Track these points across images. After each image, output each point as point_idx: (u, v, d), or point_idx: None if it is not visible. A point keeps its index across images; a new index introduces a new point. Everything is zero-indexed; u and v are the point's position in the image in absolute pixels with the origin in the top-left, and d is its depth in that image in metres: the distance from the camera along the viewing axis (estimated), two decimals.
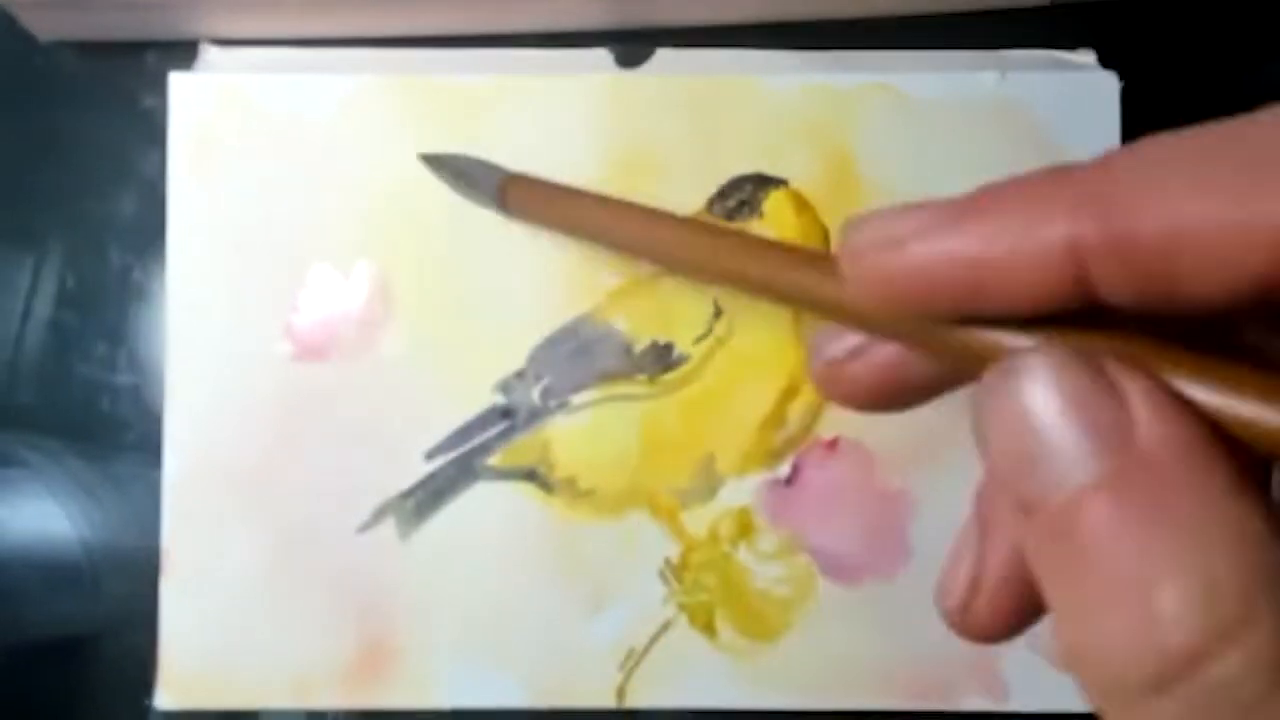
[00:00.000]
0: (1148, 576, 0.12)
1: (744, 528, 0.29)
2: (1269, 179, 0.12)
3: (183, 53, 0.31)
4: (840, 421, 0.29)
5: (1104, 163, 0.14)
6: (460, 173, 0.29)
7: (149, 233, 0.31)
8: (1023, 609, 0.16)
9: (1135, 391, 0.13)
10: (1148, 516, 0.12)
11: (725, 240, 0.20)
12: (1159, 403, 0.13)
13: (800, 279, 0.17)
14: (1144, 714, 0.12)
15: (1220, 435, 0.13)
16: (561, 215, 0.27)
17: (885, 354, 0.16)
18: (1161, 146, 0.13)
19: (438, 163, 0.29)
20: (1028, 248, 0.14)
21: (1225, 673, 0.11)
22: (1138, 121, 0.29)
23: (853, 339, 0.16)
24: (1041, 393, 0.13)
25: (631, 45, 0.31)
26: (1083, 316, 0.14)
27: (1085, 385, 0.13)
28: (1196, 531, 0.12)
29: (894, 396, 0.17)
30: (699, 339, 0.30)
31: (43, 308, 0.32)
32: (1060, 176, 0.14)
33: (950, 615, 0.16)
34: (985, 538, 0.16)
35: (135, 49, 0.32)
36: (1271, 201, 0.12)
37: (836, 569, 0.29)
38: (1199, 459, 0.12)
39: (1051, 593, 0.13)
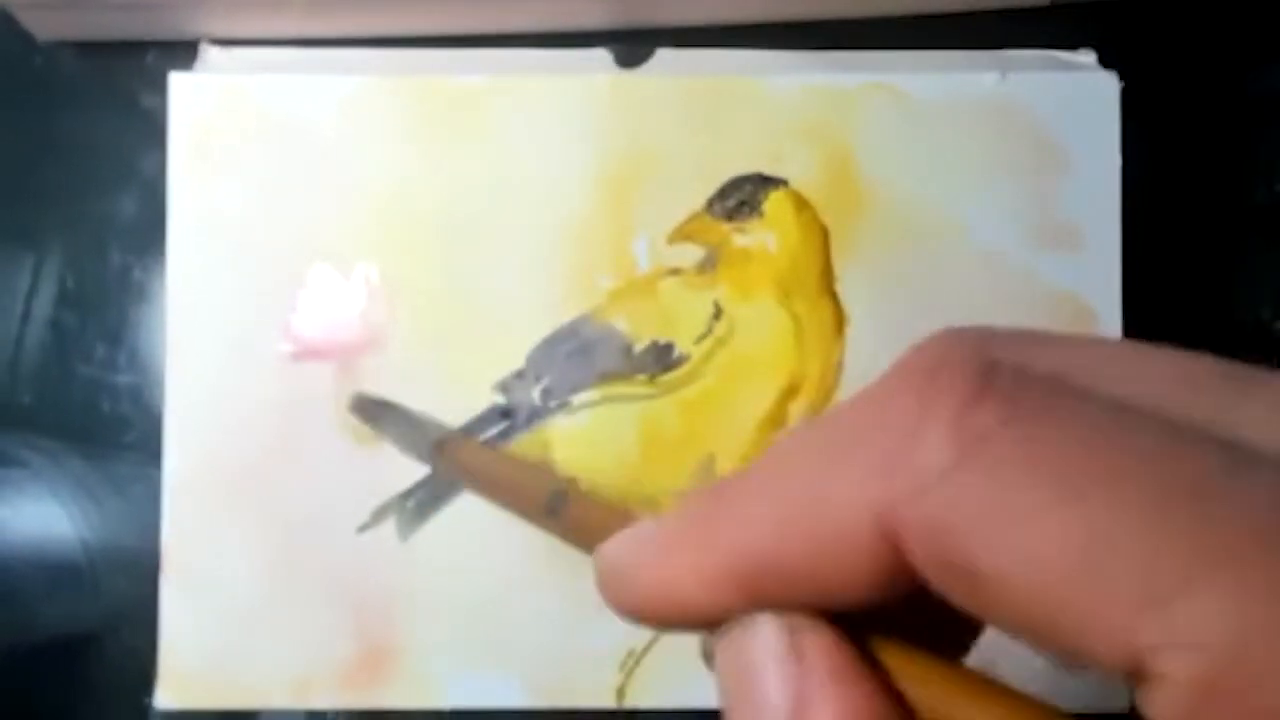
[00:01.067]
0: None
1: None
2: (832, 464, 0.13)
3: (183, 53, 0.31)
4: None
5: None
6: (395, 425, 0.29)
7: (149, 233, 0.31)
8: None
9: (813, 647, 0.13)
10: None
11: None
12: (837, 678, 0.13)
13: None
14: None
15: None
16: (487, 478, 0.25)
17: None
18: None
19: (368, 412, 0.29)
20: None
21: None
22: (1138, 121, 0.29)
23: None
24: (744, 650, 0.14)
25: (631, 45, 0.31)
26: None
27: (772, 640, 0.14)
28: None
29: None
30: (699, 339, 0.30)
31: (43, 308, 0.32)
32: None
33: None
34: None
35: (135, 49, 0.32)
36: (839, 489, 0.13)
37: None
38: None
39: None
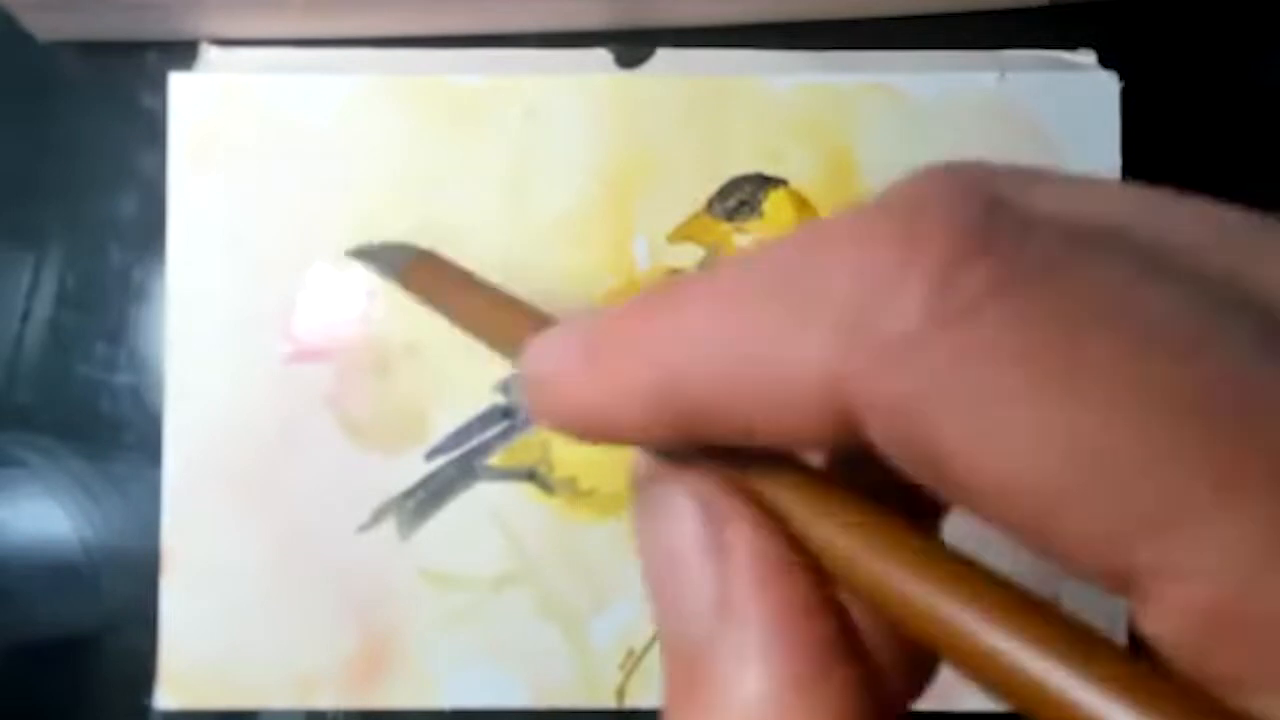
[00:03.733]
0: None
1: None
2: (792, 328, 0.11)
3: (183, 53, 0.31)
4: None
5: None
6: (374, 257, 0.27)
7: (149, 233, 0.31)
8: None
9: (738, 543, 0.12)
10: (738, 677, 0.12)
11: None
12: (756, 559, 0.12)
13: None
14: None
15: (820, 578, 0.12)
16: (451, 302, 0.24)
17: None
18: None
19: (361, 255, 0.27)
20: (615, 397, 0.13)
21: None
22: (1138, 121, 0.29)
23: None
24: (664, 534, 0.13)
25: (631, 45, 0.31)
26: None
27: (694, 529, 0.12)
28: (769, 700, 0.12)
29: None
30: None
31: (43, 308, 0.32)
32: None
33: None
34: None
35: (135, 49, 0.32)
36: (793, 353, 0.11)
37: None
38: (780, 621, 0.12)
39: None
